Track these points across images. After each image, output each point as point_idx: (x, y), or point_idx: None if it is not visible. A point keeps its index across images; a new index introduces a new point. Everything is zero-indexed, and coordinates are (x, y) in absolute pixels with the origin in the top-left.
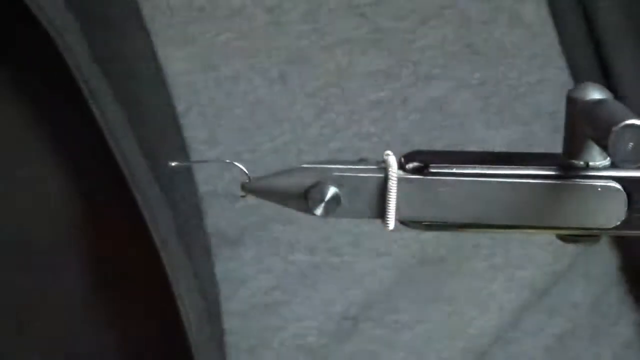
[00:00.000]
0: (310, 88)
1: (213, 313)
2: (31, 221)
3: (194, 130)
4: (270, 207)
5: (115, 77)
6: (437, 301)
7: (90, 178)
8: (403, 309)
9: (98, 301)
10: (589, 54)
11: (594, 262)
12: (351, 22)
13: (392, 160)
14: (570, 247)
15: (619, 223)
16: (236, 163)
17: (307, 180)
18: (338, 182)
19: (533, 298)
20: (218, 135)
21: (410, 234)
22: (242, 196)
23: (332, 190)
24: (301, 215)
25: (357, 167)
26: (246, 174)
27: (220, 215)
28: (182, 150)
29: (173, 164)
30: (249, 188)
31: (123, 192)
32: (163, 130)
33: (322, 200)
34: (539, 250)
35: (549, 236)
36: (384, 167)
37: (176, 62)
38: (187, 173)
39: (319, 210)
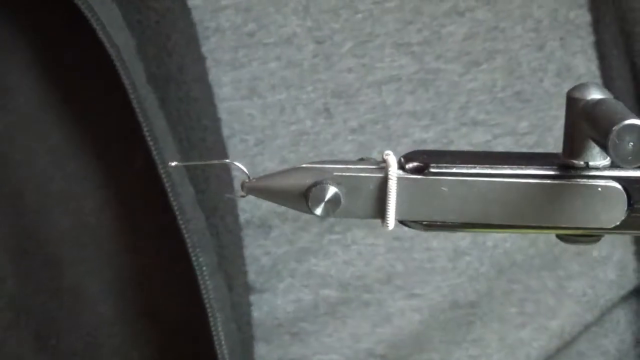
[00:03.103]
0: (355, 123)
1: (246, 345)
2: (74, 242)
3: (234, 157)
4: (306, 240)
5: (168, 99)
6: (465, 343)
7: (134, 199)
8: (430, 350)
9: (137, 321)
10: (637, 110)
11: (624, 312)
12: (400, 60)
13: (392, 160)
14: (602, 299)
15: (619, 223)
16: (236, 163)
17: (307, 180)
18: (338, 182)
19: (561, 346)
20: (258, 164)
21: (443, 276)
22: (242, 196)
23: (332, 190)
24: (337, 249)
25: (357, 167)
26: (246, 173)
27: (255, 243)
28: (227, 176)
29: (173, 164)
30: (250, 188)
31: (167, 217)
32: (211, 154)
33: (322, 200)
34: (570, 301)
35: (581, 287)
36: (384, 167)
37: (223, 86)
38: (231, 202)
39: (319, 210)
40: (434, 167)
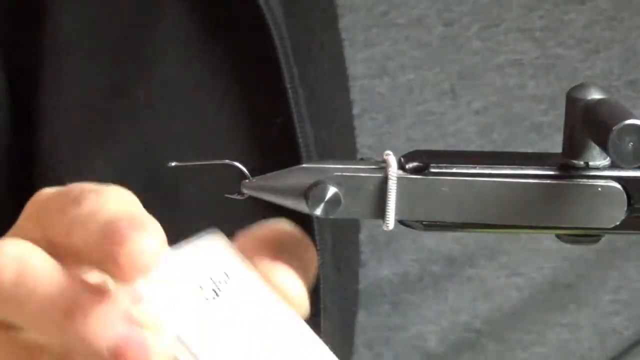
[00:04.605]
0: (478, 105)
1: (347, 329)
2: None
3: (362, 135)
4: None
5: (305, 76)
6: (558, 326)
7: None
8: (522, 330)
9: None
10: None
11: None
12: (523, 44)
13: (392, 160)
14: None
15: (618, 223)
16: (236, 163)
17: (307, 180)
18: (338, 182)
19: None
20: (385, 142)
21: (546, 257)
22: (242, 196)
23: (332, 190)
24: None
25: (357, 167)
26: (246, 173)
27: (375, 223)
28: (352, 156)
29: (173, 164)
30: (250, 188)
31: None
32: (339, 134)
33: (322, 200)
34: None
35: None
36: (383, 167)
37: (356, 65)
38: None
39: (319, 210)
40: (434, 167)
